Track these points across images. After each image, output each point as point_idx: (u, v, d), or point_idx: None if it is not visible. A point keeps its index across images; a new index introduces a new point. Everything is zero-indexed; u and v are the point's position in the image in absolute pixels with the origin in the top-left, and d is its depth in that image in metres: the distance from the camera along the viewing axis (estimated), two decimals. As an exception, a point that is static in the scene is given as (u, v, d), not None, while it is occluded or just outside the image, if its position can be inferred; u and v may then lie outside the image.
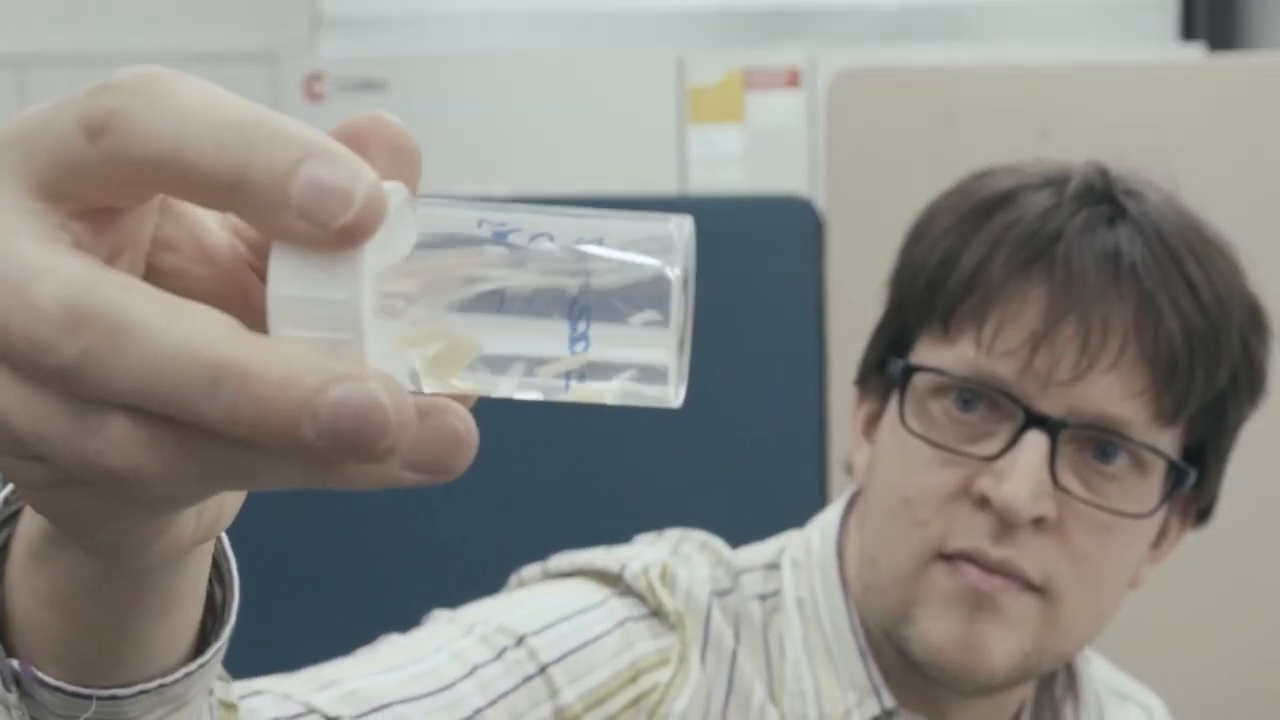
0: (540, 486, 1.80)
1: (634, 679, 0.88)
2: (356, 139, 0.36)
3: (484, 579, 0.97)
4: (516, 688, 0.84)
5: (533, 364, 0.35)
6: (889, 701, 0.92)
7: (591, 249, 0.35)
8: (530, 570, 0.95)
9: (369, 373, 0.32)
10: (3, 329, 0.33)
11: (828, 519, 0.99)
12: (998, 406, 0.88)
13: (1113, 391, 0.86)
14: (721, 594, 0.94)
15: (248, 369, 0.32)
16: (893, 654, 0.92)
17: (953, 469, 0.88)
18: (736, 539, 1.00)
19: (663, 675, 0.89)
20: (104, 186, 0.34)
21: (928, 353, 0.90)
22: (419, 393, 0.35)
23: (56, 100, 0.35)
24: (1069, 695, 0.99)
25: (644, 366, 0.35)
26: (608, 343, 0.35)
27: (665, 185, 3.00)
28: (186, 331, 0.32)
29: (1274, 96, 1.60)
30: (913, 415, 0.90)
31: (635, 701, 0.88)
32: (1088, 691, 1.00)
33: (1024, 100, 1.62)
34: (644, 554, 0.94)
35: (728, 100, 3.09)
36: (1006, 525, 0.86)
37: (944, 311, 0.89)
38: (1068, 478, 0.87)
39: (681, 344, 0.36)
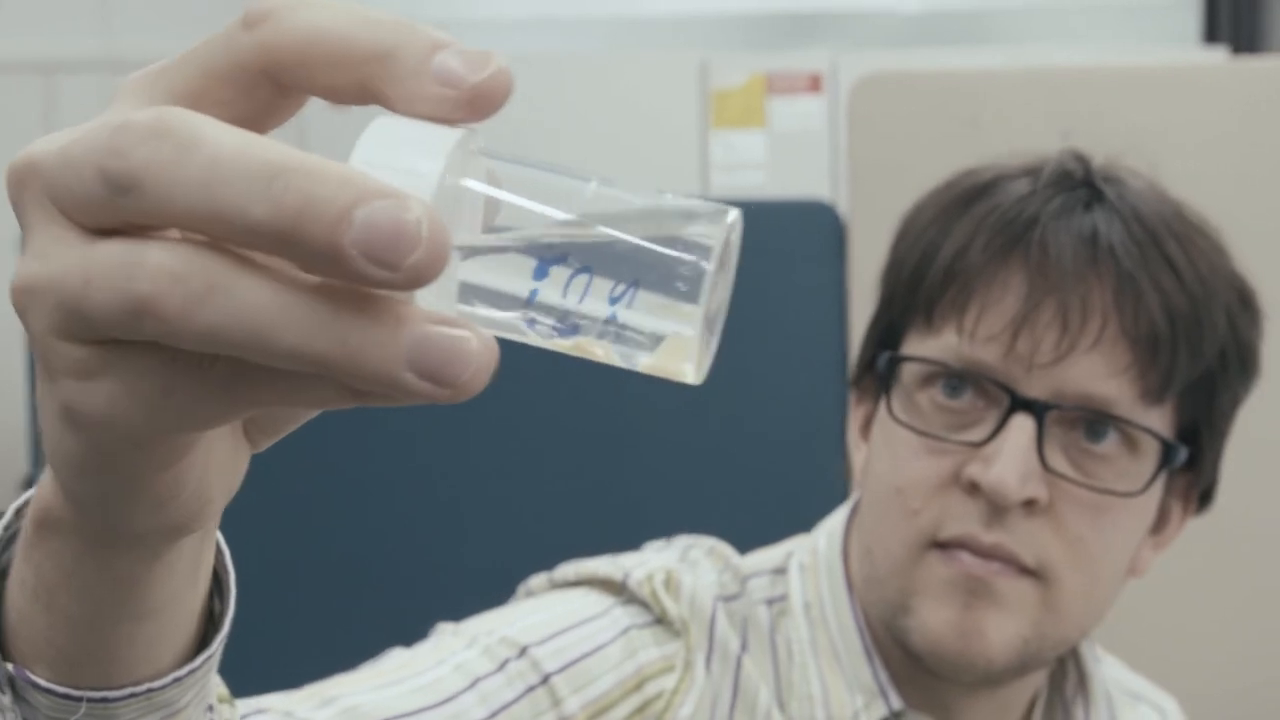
0: (560, 493, 1.80)
1: (639, 686, 0.88)
2: None
3: (502, 585, 0.98)
4: (519, 698, 0.84)
5: (566, 315, 0.36)
6: (896, 703, 0.92)
7: (630, 235, 0.36)
8: (537, 580, 0.95)
9: (412, 199, 0.34)
10: (81, 162, 0.35)
11: (833, 523, 1.00)
12: (984, 392, 0.88)
13: (1096, 371, 0.86)
14: (728, 599, 0.94)
15: (305, 168, 0.34)
16: (899, 654, 0.92)
17: (942, 457, 0.88)
18: (758, 543, 1.01)
19: (668, 682, 0.89)
20: (252, 81, 0.38)
21: (914, 345, 0.91)
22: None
23: None
24: (1079, 695, 0.99)
25: (671, 338, 0.36)
26: (640, 309, 0.36)
27: (688, 189, 3.01)
28: (250, 140, 0.34)
29: (1297, 99, 1.60)
30: (900, 406, 0.90)
31: (640, 709, 0.88)
32: (1098, 691, 0.99)
33: (1046, 103, 1.62)
34: (648, 561, 0.94)
35: (750, 104, 3.09)
36: (997, 510, 0.86)
37: (927, 303, 0.90)
38: (1057, 459, 0.87)
39: (710, 324, 0.37)
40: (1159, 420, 0.89)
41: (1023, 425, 0.86)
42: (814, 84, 3.09)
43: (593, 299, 0.36)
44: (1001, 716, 0.96)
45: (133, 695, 0.45)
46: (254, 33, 0.37)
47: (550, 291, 0.36)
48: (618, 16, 3.53)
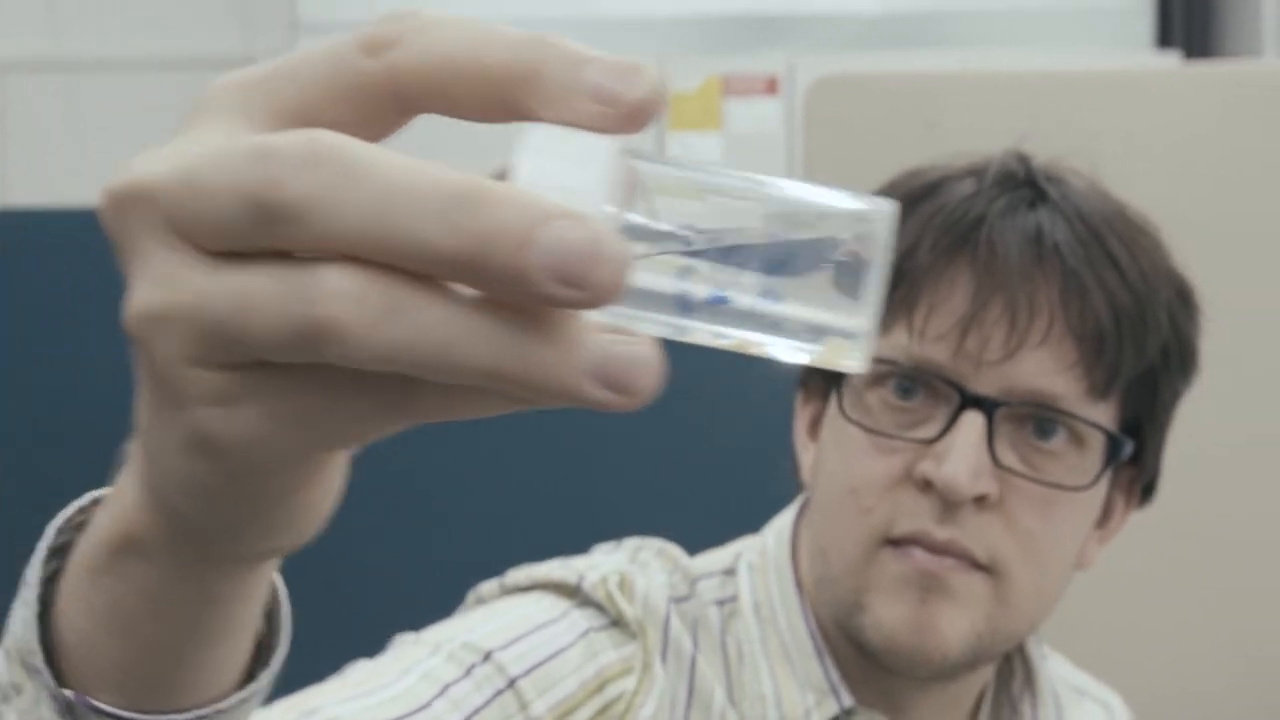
0: (532, 495, 1.80)
1: (600, 689, 0.89)
2: None
3: (465, 590, 0.97)
4: (488, 703, 0.84)
5: (727, 313, 0.36)
6: (847, 700, 0.93)
7: (790, 215, 0.36)
8: (488, 586, 0.95)
9: (589, 217, 0.34)
10: (219, 190, 0.34)
11: (781, 523, 1.00)
12: (934, 390, 0.89)
13: (1044, 367, 0.88)
14: (679, 600, 0.95)
15: (483, 193, 0.33)
16: (849, 651, 0.93)
17: (894, 455, 0.89)
18: (708, 544, 1.01)
19: (628, 684, 0.90)
20: (375, 107, 0.36)
21: None
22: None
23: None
24: (1026, 691, 1.00)
25: (838, 330, 0.36)
26: (802, 304, 0.36)
27: (644, 191, 3.01)
28: (420, 167, 0.34)
29: (1248, 104, 1.61)
30: (851, 406, 0.91)
31: (602, 710, 0.88)
32: (1045, 688, 1.01)
33: (1003, 106, 1.62)
34: (601, 564, 0.94)
35: (707, 106, 3.09)
36: (950, 506, 0.87)
37: None
38: (1007, 455, 0.88)
39: (876, 311, 0.37)
40: (1104, 415, 0.90)
41: (973, 422, 0.87)
42: (770, 86, 3.10)
43: (752, 295, 0.36)
44: (951, 712, 0.97)
45: (200, 718, 0.44)
46: (381, 58, 0.36)
47: (710, 290, 0.36)
48: (572, 18, 3.52)
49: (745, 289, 0.36)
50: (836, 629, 0.93)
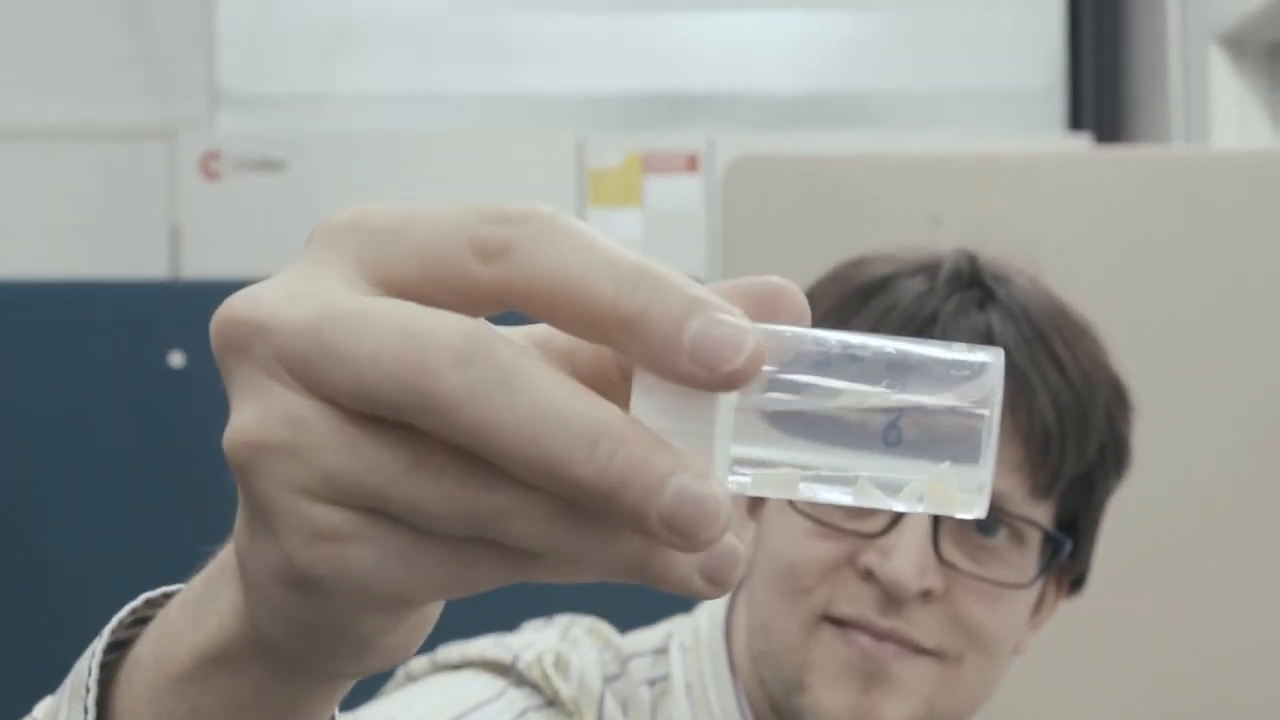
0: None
1: None
2: (759, 304, 0.38)
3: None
4: None
5: (845, 477, 0.37)
6: None
7: (906, 377, 0.37)
8: (418, 662, 0.94)
9: (711, 472, 0.35)
10: (377, 366, 0.35)
11: (715, 603, 1.00)
12: None
13: None
14: (610, 679, 0.94)
15: (625, 435, 0.34)
16: None
17: (837, 541, 0.90)
18: (641, 621, 1.01)
19: None
20: (476, 306, 0.36)
21: None
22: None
23: (417, 209, 0.37)
24: None
25: (948, 487, 0.38)
26: (919, 464, 0.37)
27: (564, 267, 3.01)
28: (573, 390, 0.35)
29: (1158, 187, 1.64)
30: None
31: None
32: None
33: (917, 188, 1.64)
34: (535, 642, 0.94)
35: (627, 183, 3.11)
36: (893, 599, 0.88)
37: None
38: (951, 551, 0.89)
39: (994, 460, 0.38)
40: (1044, 514, 0.92)
41: (919, 519, 0.88)
42: (691, 164, 3.12)
43: (871, 457, 0.37)
44: None
45: None
46: (493, 267, 0.36)
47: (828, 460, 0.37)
48: (495, 94, 3.53)
49: (862, 449, 0.37)
50: (771, 711, 0.93)
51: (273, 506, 0.36)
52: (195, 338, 2.04)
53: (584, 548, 0.36)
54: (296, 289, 0.36)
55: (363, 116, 3.54)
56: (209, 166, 3.00)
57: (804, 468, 0.37)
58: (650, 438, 0.35)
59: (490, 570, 0.37)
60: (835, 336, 0.37)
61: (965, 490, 0.37)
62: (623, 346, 0.36)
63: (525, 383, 0.34)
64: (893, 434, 0.37)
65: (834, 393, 0.37)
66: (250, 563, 0.38)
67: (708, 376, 0.35)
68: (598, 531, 0.36)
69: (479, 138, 3.26)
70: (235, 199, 2.98)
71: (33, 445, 2.04)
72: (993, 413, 0.37)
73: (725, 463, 0.37)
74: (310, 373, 0.35)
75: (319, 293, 0.36)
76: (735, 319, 0.35)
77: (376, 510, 0.36)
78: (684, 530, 0.34)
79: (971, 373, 0.37)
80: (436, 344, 0.34)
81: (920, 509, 0.38)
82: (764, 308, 0.38)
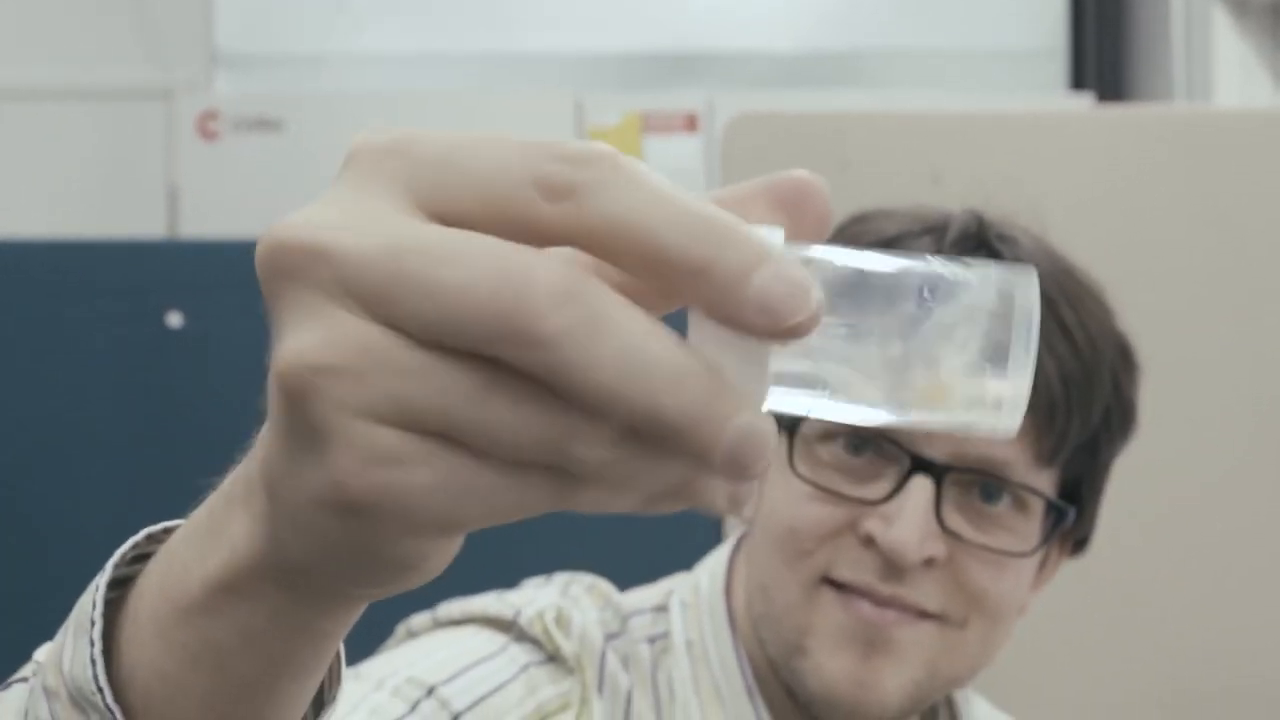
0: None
1: None
2: (784, 202, 0.39)
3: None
4: None
5: (884, 393, 0.38)
6: None
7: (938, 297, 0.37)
8: (419, 619, 0.95)
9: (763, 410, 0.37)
10: (480, 301, 0.34)
11: (716, 560, 1.00)
12: (884, 451, 0.90)
13: None
14: (611, 636, 0.94)
15: (703, 370, 0.35)
16: (780, 693, 0.93)
17: (838, 506, 0.90)
18: (638, 579, 1.01)
19: (566, 719, 0.89)
20: (540, 244, 0.36)
21: None
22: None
23: (461, 138, 0.37)
24: None
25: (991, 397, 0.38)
26: (954, 378, 0.38)
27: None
28: (657, 330, 0.35)
29: (1160, 146, 1.63)
30: (801, 459, 0.91)
31: None
32: None
33: (917, 146, 1.63)
34: (536, 598, 0.94)
35: (626, 142, 3.10)
36: (894, 566, 0.87)
37: None
38: (954, 519, 0.89)
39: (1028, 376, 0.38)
40: (1048, 481, 0.91)
41: (922, 486, 0.88)
42: (690, 123, 3.11)
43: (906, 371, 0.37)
44: None
45: None
46: (559, 207, 0.36)
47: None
48: (494, 54, 3.52)
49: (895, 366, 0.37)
50: (770, 670, 0.93)
51: (329, 429, 0.35)
52: (193, 298, 2.04)
53: (638, 471, 0.36)
54: (354, 216, 0.36)
55: (361, 77, 3.52)
56: (207, 127, 2.99)
57: (831, 389, 0.38)
58: (721, 379, 0.36)
59: (540, 495, 0.36)
60: (862, 261, 0.38)
61: (994, 405, 0.38)
62: (687, 292, 0.36)
63: (617, 324, 0.35)
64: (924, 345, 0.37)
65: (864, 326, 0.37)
66: (285, 489, 0.37)
67: (771, 327, 0.35)
68: (652, 457, 0.36)
69: (478, 97, 3.25)
70: (233, 159, 2.97)
71: (31, 404, 2.04)
72: (1030, 329, 0.37)
73: (766, 398, 0.38)
74: (384, 301, 0.35)
75: (384, 220, 0.36)
76: (800, 272, 0.36)
77: (438, 434, 0.35)
78: (743, 463, 0.36)
79: (1001, 295, 0.37)
80: (538, 283, 0.34)
81: (947, 421, 0.38)
82: (789, 207, 0.38)
